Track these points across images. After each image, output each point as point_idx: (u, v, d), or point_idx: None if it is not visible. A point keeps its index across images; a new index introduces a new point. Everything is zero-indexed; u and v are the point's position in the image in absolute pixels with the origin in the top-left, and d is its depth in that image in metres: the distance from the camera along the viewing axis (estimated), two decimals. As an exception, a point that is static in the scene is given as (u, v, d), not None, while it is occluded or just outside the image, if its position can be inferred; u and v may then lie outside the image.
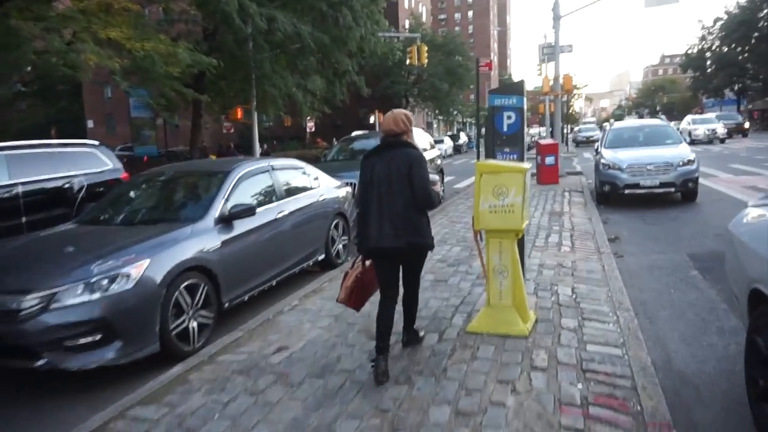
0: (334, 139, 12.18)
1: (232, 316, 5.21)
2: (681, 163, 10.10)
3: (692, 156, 10.30)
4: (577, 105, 67.73)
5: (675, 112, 65.21)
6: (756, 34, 53.86)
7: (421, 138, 11.44)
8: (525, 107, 4.42)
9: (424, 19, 60.06)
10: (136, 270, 3.98)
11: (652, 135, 11.76)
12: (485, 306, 4.23)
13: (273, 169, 6.03)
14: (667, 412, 2.97)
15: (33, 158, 6.95)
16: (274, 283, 5.62)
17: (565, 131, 35.94)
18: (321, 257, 6.65)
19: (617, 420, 2.90)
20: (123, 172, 8.17)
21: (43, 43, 11.33)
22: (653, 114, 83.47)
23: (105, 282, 3.84)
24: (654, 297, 5.18)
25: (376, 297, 3.88)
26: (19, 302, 3.67)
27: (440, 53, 44.82)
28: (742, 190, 11.43)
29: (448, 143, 39.55)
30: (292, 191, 6.26)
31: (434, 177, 3.59)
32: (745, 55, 56.02)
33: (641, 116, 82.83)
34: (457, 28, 76.65)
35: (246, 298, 5.16)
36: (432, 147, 12.39)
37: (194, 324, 4.41)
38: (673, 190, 10.21)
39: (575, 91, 42.42)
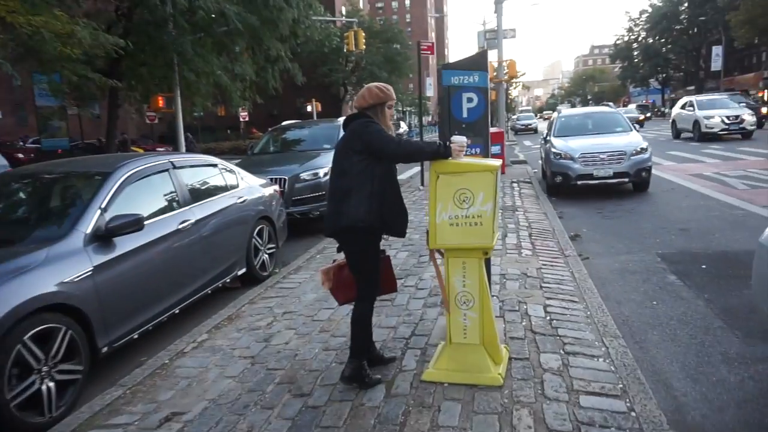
0: (270, 130, 10.99)
1: (118, 360, 4.01)
2: (634, 152, 9.58)
3: (645, 144, 9.81)
4: (513, 93, 68.41)
5: (604, 101, 67.26)
6: (677, 26, 56.20)
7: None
8: (489, 86, 3.47)
9: (361, 5, 58.77)
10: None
11: (602, 122, 11.24)
12: (446, 344, 3.26)
13: (174, 167, 4.80)
14: None
15: None
16: (177, 311, 4.43)
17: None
18: (241, 271, 5.49)
19: None
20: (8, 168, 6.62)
21: None
22: (585, 103, 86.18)
23: None
24: (636, 312, 4.40)
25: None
26: None
27: (378, 41, 43.75)
28: (690, 179, 11.12)
29: (403, 127, 38.69)
30: (200, 194, 5.05)
31: (461, 139, 2.93)
32: (669, 46, 58.47)
33: (573, 105, 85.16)
34: (394, 17, 75.77)
35: (135, 335, 3.96)
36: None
37: (50, 385, 3.19)
38: (627, 180, 9.68)
39: (514, 80, 42.48)
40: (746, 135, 19.60)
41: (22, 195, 4.41)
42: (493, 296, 4.10)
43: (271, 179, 7.37)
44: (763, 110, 26.81)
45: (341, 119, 9.43)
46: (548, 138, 11.08)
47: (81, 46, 11.04)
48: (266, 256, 5.95)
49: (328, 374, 3.36)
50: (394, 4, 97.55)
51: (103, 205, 3.87)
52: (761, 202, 8.14)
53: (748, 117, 19.65)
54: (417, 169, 14.88)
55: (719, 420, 2.88)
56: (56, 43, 10.32)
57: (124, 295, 3.81)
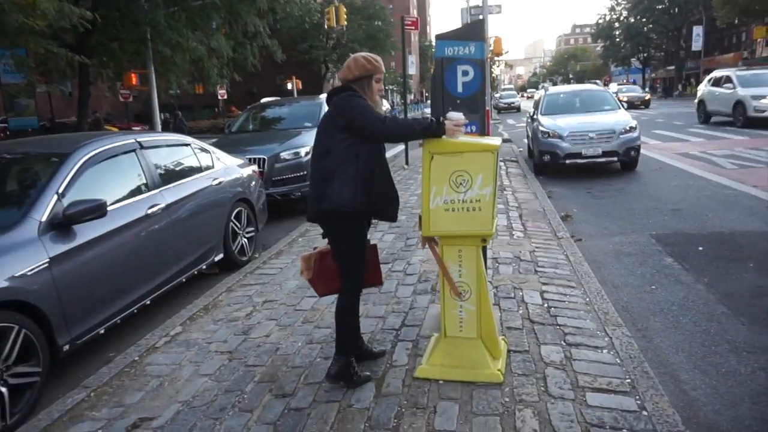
0: (248, 108, 10.56)
1: (84, 357, 3.69)
2: (623, 131, 9.38)
3: (634, 123, 9.62)
4: (496, 71, 68.03)
5: (586, 80, 67.29)
6: (659, 6, 56.05)
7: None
8: (486, 58, 3.17)
9: (341, -20, 57.33)
10: None
11: (590, 100, 11.00)
12: (440, 337, 3.01)
13: (142, 147, 4.42)
14: None
15: None
16: (148, 302, 4.11)
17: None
18: (219, 257, 5.17)
19: None
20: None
21: None
22: (567, 81, 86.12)
23: None
24: (635, 298, 4.20)
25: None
26: None
27: (360, 17, 42.84)
28: (677, 158, 11.01)
29: (386, 105, 38.11)
30: (171, 176, 4.69)
31: (457, 115, 2.72)
32: (650, 26, 58.41)
33: (554, 83, 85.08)
34: (376, -7, 74.33)
35: (102, 330, 3.64)
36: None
37: (2, 390, 2.87)
38: (615, 159, 9.50)
39: (497, 58, 42.05)
40: None
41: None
42: (487, 280, 3.85)
43: (250, 159, 7.01)
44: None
45: (323, 96, 9.04)
46: (535, 116, 10.83)
47: (45, 18, 10.41)
48: (245, 240, 5.63)
49: (312, 371, 3.10)
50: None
51: (60, 190, 3.50)
52: (751, 182, 8.02)
53: None
54: (401, 147, 14.57)
55: (734, 416, 2.69)
56: (17, 15, 9.69)
57: (87, 287, 3.48)
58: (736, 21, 41.17)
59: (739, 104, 15.82)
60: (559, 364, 2.98)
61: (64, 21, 10.94)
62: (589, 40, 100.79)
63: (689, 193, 7.77)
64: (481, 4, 16.67)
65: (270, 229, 6.63)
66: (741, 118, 15.75)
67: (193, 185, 4.86)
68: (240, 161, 6.14)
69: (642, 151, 10.64)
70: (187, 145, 5.23)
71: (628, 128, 9.43)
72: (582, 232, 6.15)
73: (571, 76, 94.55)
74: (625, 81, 61.67)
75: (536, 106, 11.50)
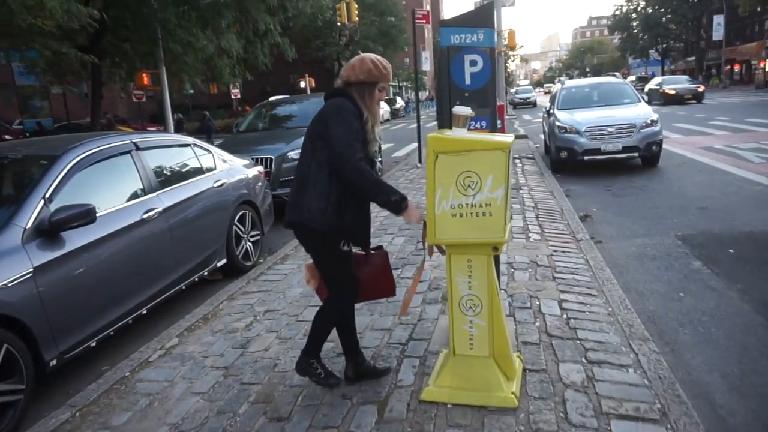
0: (257, 106, 10.38)
1: (76, 371, 3.52)
2: (644, 125, 8.99)
3: (655, 116, 9.22)
4: (511, 66, 67.20)
5: (603, 73, 66.22)
6: (678, -5, 54.80)
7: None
8: (496, 47, 2.91)
9: (354, -23, 57.03)
10: None
11: (609, 94, 10.61)
12: (449, 354, 2.75)
13: (138, 148, 4.23)
14: None
15: None
16: (144, 311, 3.92)
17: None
18: (221, 262, 4.97)
19: None
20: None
21: None
22: (583, 75, 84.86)
23: None
24: (662, 307, 3.90)
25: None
26: None
27: (372, 13, 42.52)
28: (700, 152, 10.58)
29: (385, 108, 37.85)
30: (170, 179, 4.50)
31: (465, 109, 2.51)
32: (669, 16, 57.12)
33: (571, 77, 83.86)
34: (389, -12, 73.82)
35: (93, 343, 3.45)
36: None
37: (-21, 413, 2.69)
38: (636, 155, 9.12)
39: (511, 53, 41.47)
40: None
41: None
42: (501, 290, 3.58)
43: (256, 159, 6.81)
44: None
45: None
46: (552, 111, 10.47)
47: (53, 18, 10.33)
48: (249, 244, 5.42)
49: (310, 391, 2.87)
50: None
51: (47, 195, 3.32)
52: (782, 177, 7.62)
53: None
54: (414, 145, 14.30)
55: (779, 447, 2.40)
56: (24, 15, 9.61)
57: (76, 298, 3.29)
58: (759, 9, 40.02)
59: None
60: (579, 385, 2.71)
61: (72, 22, 10.87)
62: (606, 32, 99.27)
63: (715, 189, 7.39)
64: (495, -3, 16.31)
65: (276, 232, 6.42)
66: None
67: (193, 188, 4.66)
68: (245, 162, 5.93)
69: (663, 145, 10.25)
70: (187, 145, 5.04)
71: (649, 122, 9.05)
72: (602, 233, 5.83)
73: (587, 69, 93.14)
74: (644, 73, 60.53)
75: (552, 100, 11.14)
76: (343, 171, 2.45)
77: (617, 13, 64.93)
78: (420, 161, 11.83)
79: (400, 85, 63.95)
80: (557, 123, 9.59)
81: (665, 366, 2.86)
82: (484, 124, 2.96)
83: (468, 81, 2.91)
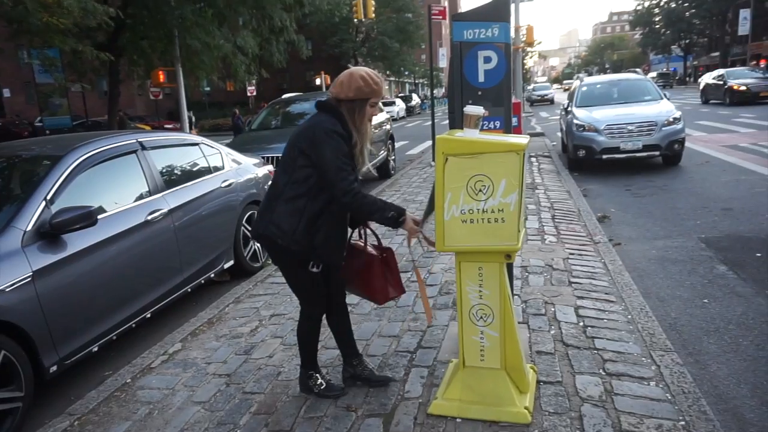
0: (270, 103, 10.32)
1: (76, 377, 3.45)
2: (666, 122, 8.72)
3: (678, 114, 8.94)
4: (529, 63, 66.49)
5: (623, 70, 65.09)
6: (703, -12, 53.59)
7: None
8: (511, 43, 2.75)
9: (371, -27, 56.86)
10: None
11: (629, 90, 10.32)
12: (458, 367, 2.62)
13: (143, 148, 4.15)
14: None
15: None
16: (148, 315, 3.84)
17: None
18: (228, 264, 4.89)
19: None
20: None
21: None
22: (602, 72, 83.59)
23: None
24: (685, 314, 3.71)
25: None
26: None
27: (389, 10, 42.34)
28: (726, 150, 10.25)
29: (400, 105, 37.70)
30: (176, 179, 4.42)
31: (477, 109, 2.43)
32: (693, 10, 55.93)
33: (590, 74, 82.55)
34: (406, -15, 73.51)
35: (95, 348, 3.38)
36: (380, 110, 10.62)
37: (-25, 421, 2.63)
38: (657, 153, 8.85)
39: (529, 49, 40.95)
40: None
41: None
42: (514, 295, 3.43)
43: (267, 158, 6.73)
44: None
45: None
46: (570, 108, 10.23)
47: (70, 16, 10.37)
48: (258, 245, 5.33)
49: (314, 402, 2.75)
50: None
51: (49, 196, 3.25)
52: (811, 177, 7.32)
53: None
54: (429, 143, 14.14)
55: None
56: (40, 14, 9.65)
57: (77, 303, 3.22)
58: (787, 3, 38.94)
59: None
60: (597, 399, 2.56)
61: (89, 20, 10.91)
62: (627, 27, 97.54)
63: (741, 189, 7.12)
64: (512, -8, 16.04)
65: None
66: None
67: (200, 188, 4.58)
68: (255, 161, 5.85)
69: (686, 143, 9.96)
70: (195, 145, 4.96)
71: (671, 119, 8.77)
72: (621, 235, 5.63)
73: (607, 66, 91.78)
74: (665, 69, 59.38)
75: (571, 97, 10.89)
76: (338, 196, 2.37)
77: (639, 8, 63.81)
78: (434, 159, 11.66)
79: (416, 82, 63.68)
80: (575, 121, 9.36)
81: (689, 379, 2.69)
82: (498, 124, 2.81)
83: (481, 78, 2.77)
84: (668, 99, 9.85)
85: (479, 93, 2.78)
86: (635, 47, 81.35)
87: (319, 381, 2.78)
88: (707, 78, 24.25)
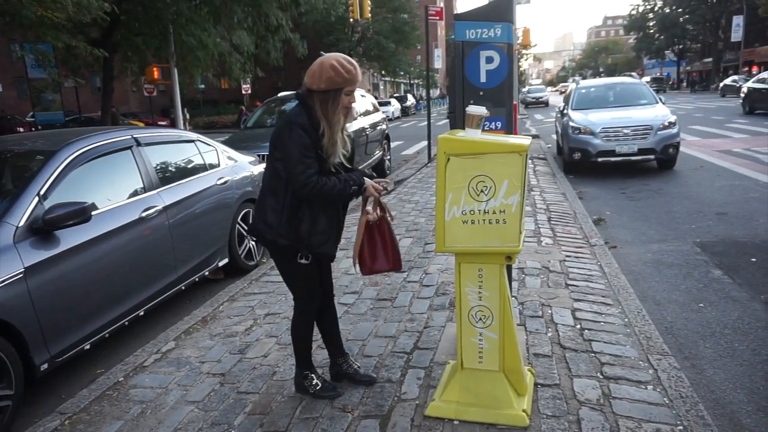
0: (266, 101, 10.27)
1: (67, 375, 3.40)
2: (661, 126, 8.75)
3: (673, 118, 8.98)
4: (524, 65, 66.58)
5: (617, 74, 65.43)
6: (696, -5, 53.97)
7: (362, 101, 9.58)
8: (514, 42, 2.73)
9: (367, -27, 56.80)
10: None
11: (625, 94, 10.37)
12: (455, 368, 2.60)
13: (138, 144, 4.10)
14: None
15: None
16: (141, 313, 3.79)
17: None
18: (223, 262, 4.85)
19: None
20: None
21: None
22: (596, 75, 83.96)
23: None
24: (681, 318, 3.72)
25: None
26: None
27: (385, 10, 42.33)
28: (719, 155, 10.31)
29: (396, 105, 37.70)
30: (171, 176, 4.37)
31: (480, 109, 2.42)
32: (686, 16, 56.33)
33: (584, 77, 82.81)
34: (402, -15, 73.49)
35: (87, 346, 3.33)
36: (375, 110, 10.59)
37: (-37, 420, 2.58)
38: (653, 157, 8.88)
39: (524, 51, 41.09)
40: None
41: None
42: (511, 297, 3.41)
43: (262, 156, 6.68)
44: None
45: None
46: (566, 111, 10.25)
47: (64, 11, 10.28)
48: (252, 243, 5.29)
49: (309, 402, 2.72)
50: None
51: (42, 192, 3.20)
52: (804, 183, 7.36)
53: None
54: (424, 143, 14.13)
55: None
56: (34, 8, 9.55)
57: (69, 300, 3.17)
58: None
59: None
60: (595, 403, 2.54)
61: (83, 15, 10.81)
62: (622, 32, 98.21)
63: (736, 194, 7.15)
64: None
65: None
66: None
67: (195, 185, 4.53)
68: (251, 158, 5.81)
69: (680, 148, 10.01)
70: (190, 141, 4.91)
71: (666, 123, 8.81)
72: (617, 238, 5.64)
73: (601, 69, 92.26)
74: (659, 74, 59.73)
75: (566, 100, 10.91)
76: (296, 189, 2.37)
77: (633, 12, 64.13)
78: (429, 160, 11.66)
79: (411, 82, 63.73)
80: (571, 123, 9.38)
81: (687, 384, 2.69)
82: (499, 124, 2.80)
83: (483, 79, 2.75)
84: (663, 103, 9.89)
85: (481, 93, 2.76)
86: (629, 51, 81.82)
87: (315, 381, 2.75)
88: (753, 83, 20.50)
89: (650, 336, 3.20)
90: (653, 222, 6.18)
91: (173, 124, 19.11)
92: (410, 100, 44.55)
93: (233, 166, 5.27)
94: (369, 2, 24.77)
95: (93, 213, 3.30)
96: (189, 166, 4.68)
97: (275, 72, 29.42)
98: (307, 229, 2.45)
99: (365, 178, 2.48)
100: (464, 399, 2.49)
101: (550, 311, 3.59)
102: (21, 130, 22.77)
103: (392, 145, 12.68)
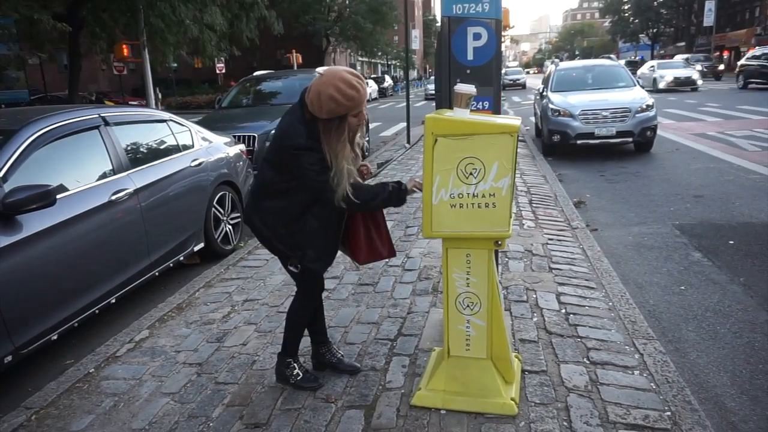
0: (241, 81, 9.94)
1: (35, 366, 3.24)
2: (639, 109, 8.78)
3: (651, 101, 9.02)
4: (501, 47, 66.44)
5: (594, 56, 65.89)
6: (670, -21, 54.47)
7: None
8: (502, 19, 2.63)
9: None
10: None
11: (603, 77, 10.36)
12: (442, 355, 2.53)
13: (106, 123, 3.89)
14: None
15: None
16: (112, 300, 3.63)
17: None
18: (199, 246, 4.69)
19: None
20: None
21: None
22: (572, 58, 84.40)
23: None
24: (663, 301, 3.72)
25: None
26: None
27: (362, -11, 41.61)
28: (694, 138, 10.42)
29: (373, 86, 37.29)
30: (142, 157, 4.18)
31: (469, 87, 2.23)
32: (660, 0, 56.86)
33: (561, 60, 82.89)
34: (379, -36, 72.24)
35: (54, 336, 3.17)
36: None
37: None
38: (630, 140, 8.92)
39: (502, 33, 40.86)
40: None
41: None
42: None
43: (239, 137, 6.48)
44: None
45: (321, 69, 8.47)
46: (545, 93, 10.22)
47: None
48: (229, 227, 5.14)
49: (291, 393, 2.63)
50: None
51: (1, 174, 3.00)
52: (778, 166, 7.48)
53: None
54: (402, 124, 13.99)
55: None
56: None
57: (34, 288, 2.99)
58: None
59: None
60: (583, 389, 2.51)
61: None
62: (597, 15, 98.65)
63: (711, 177, 7.23)
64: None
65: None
66: None
67: (168, 167, 4.35)
68: (226, 140, 5.61)
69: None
70: (162, 121, 4.71)
71: (644, 106, 8.84)
72: (597, 220, 5.65)
73: (577, 52, 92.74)
74: (633, 57, 60.33)
75: (546, 82, 10.87)
76: (333, 205, 2.27)
77: (609, -5, 64.49)
78: (408, 141, 11.54)
79: (389, 63, 63.14)
80: (551, 105, 9.35)
81: (672, 368, 2.67)
82: (486, 104, 2.70)
83: (470, 56, 2.64)
84: (641, 86, 9.92)
85: (468, 71, 2.65)
86: (605, 35, 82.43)
87: (296, 371, 2.65)
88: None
89: (635, 320, 3.18)
90: (632, 204, 6.20)
91: (148, 105, 18.51)
92: (388, 81, 44.15)
93: (208, 147, 5.08)
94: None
95: (58, 196, 3.12)
96: (161, 147, 4.48)
97: (250, 51, 28.71)
98: (303, 241, 2.36)
99: (406, 181, 2.41)
100: (451, 388, 2.43)
101: (534, 295, 3.55)
102: (-16, 108, 21.89)
103: (371, 126, 12.50)
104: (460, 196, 2.19)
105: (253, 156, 6.68)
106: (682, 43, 56.58)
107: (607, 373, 2.63)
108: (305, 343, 2.92)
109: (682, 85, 23.63)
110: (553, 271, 3.97)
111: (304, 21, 39.53)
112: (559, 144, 9.18)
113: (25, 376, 3.17)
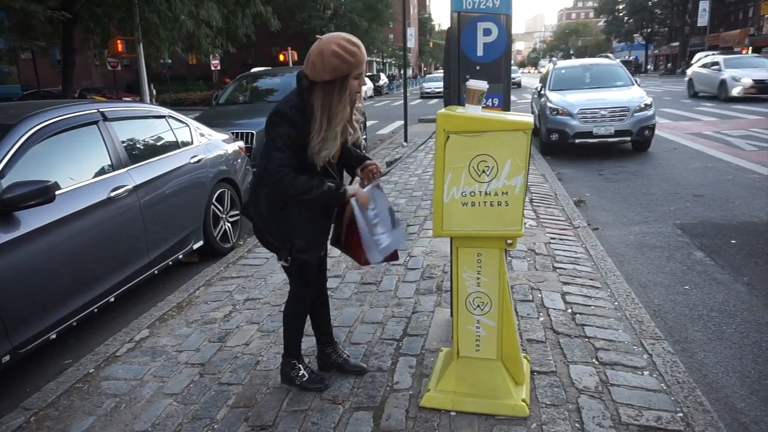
0: (238, 77, 9.88)
1: (33, 366, 3.18)
2: (638, 108, 8.77)
3: (649, 100, 9.02)
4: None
5: (589, 56, 66.08)
6: (665, -21, 54.71)
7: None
8: (512, 15, 2.58)
9: (339, -52, 55.49)
10: None
11: (601, 75, 10.36)
12: (452, 356, 2.49)
13: (105, 119, 3.83)
14: None
15: None
16: (111, 299, 3.57)
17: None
18: (198, 244, 4.63)
19: None
20: None
21: None
22: (567, 57, 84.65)
23: None
24: (668, 300, 3.70)
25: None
26: None
27: (358, -13, 41.50)
28: (692, 138, 10.44)
29: (368, 84, 37.22)
30: (141, 154, 4.11)
31: (481, 84, 2.19)
32: (655, 0, 57.11)
33: (555, 59, 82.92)
34: (375, -38, 72.04)
35: (53, 336, 3.11)
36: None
37: None
38: (629, 139, 8.92)
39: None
40: None
41: None
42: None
43: (237, 134, 6.42)
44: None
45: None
46: (543, 92, 10.20)
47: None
48: (228, 224, 5.08)
49: (297, 393, 2.59)
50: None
51: (-1, 168, 2.94)
52: (775, 165, 7.49)
53: None
54: (399, 122, 13.94)
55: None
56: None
57: (32, 286, 2.93)
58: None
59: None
60: (594, 390, 2.48)
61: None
62: (592, 14, 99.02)
63: (710, 176, 7.23)
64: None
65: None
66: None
67: (167, 163, 4.28)
68: (224, 136, 5.54)
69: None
70: (161, 117, 4.63)
71: (642, 105, 8.84)
72: (598, 219, 5.63)
73: (572, 51, 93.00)
74: (627, 57, 60.55)
75: (543, 80, 10.86)
76: (266, 179, 2.26)
77: (604, -5, 64.65)
78: (406, 140, 11.50)
79: (384, 61, 63.03)
80: (549, 104, 9.33)
81: (682, 369, 2.65)
82: (496, 101, 2.66)
83: (480, 52, 2.59)
84: (639, 85, 9.93)
85: (477, 68, 2.61)
86: (599, 34, 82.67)
87: (301, 372, 2.61)
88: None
89: (641, 320, 3.16)
90: (633, 204, 6.19)
91: (142, 101, 18.35)
92: (383, 79, 44.07)
93: (207, 143, 5.02)
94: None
95: (57, 192, 3.06)
96: (160, 143, 4.42)
97: (245, 48, 28.59)
98: (289, 231, 2.29)
99: (349, 186, 2.28)
100: (461, 389, 2.39)
101: (540, 295, 3.52)
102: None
103: (367, 124, 12.44)
104: (472, 194, 2.15)
105: (252, 153, 6.61)
106: (676, 43, 56.83)
107: (617, 374, 2.60)
108: (310, 343, 2.89)
109: (765, 92, 16.51)
110: (557, 270, 3.94)
111: (300, 19, 39.43)
112: (557, 143, 9.17)
113: (23, 376, 3.10)
